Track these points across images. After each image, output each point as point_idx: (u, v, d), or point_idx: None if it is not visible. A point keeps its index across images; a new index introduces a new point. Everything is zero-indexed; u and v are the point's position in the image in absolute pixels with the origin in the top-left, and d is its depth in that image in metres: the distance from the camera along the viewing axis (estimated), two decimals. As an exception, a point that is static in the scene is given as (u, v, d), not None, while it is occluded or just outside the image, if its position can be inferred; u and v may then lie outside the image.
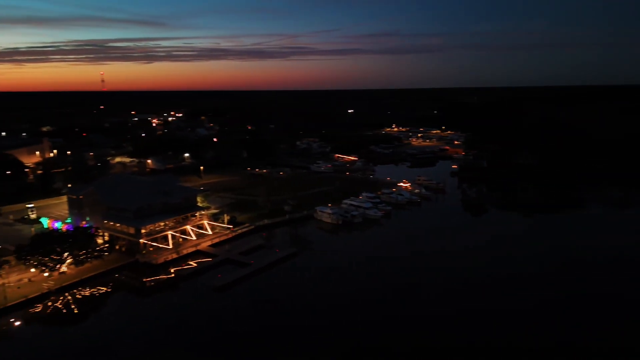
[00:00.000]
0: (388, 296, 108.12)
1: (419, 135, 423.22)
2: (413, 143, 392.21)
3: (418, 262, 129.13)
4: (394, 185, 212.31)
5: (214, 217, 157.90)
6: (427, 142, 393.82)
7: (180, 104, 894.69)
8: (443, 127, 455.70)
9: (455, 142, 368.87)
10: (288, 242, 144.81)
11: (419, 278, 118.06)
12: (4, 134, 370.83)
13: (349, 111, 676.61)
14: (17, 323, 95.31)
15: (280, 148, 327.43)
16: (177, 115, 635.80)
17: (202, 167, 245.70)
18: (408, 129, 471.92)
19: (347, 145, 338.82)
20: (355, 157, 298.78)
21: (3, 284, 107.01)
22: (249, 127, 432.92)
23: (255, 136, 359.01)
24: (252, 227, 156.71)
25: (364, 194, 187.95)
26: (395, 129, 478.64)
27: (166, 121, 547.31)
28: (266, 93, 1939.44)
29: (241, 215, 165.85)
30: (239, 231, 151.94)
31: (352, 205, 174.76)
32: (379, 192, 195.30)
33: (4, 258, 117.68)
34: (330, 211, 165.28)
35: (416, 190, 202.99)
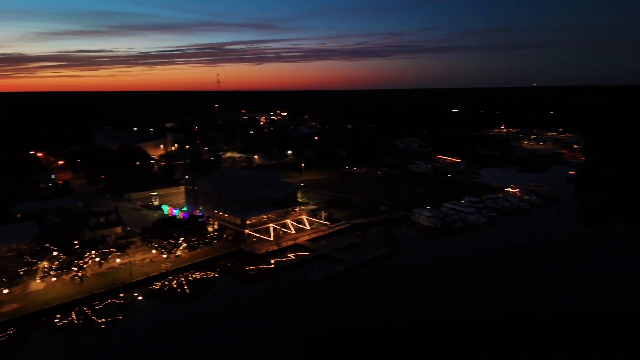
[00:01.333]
0: (481, 313, 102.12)
1: (532, 137, 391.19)
2: (524, 145, 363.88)
3: (521, 283, 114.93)
4: (501, 190, 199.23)
5: (312, 213, 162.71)
6: (541, 145, 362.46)
7: (286, 103, 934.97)
8: (560, 129, 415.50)
9: (574, 146, 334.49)
10: (383, 242, 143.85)
11: (521, 304, 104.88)
12: (135, 129, 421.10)
13: (453, 110, 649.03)
14: (140, 297, 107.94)
15: (378, 147, 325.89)
16: (282, 114, 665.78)
17: (303, 164, 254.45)
18: (518, 130, 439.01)
19: (449, 145, 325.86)
20: (458, 158, 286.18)
21: (130, 262, 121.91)
22: (349, 126, 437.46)
23: (354, 135, 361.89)
24: (348, 224, 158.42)
25: (466, 198, 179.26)
26: (505, 130, 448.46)
27: (272, 119, 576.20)
28: (368, 92, 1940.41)
29: (338, 212, 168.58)
30: (336, 228, 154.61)
31: (452, 209, 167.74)
32: (483, 197, 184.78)
33: (131, 239, 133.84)
34: (428, 214, 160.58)
35: (525, 197, 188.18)
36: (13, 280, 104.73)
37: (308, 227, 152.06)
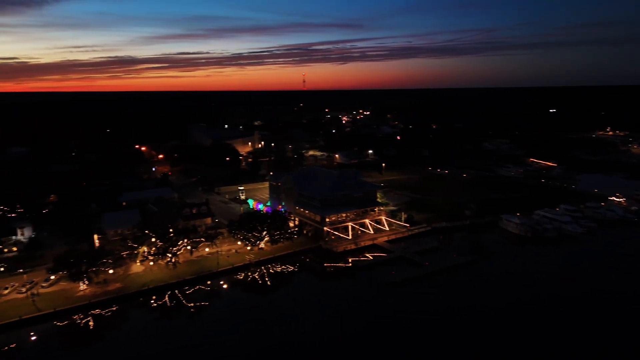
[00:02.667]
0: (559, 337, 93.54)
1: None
2: (633, 150, 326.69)
3: (623, 306, 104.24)
4: (603, 198, 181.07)
5: (392, 214, 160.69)
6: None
7: (369, 102, 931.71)
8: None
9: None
10: (467, 248, 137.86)
11: (620, 332, 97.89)
12: (226, 126, 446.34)
13: (550, 111, 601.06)
14: (225, 286, 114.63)
15: (464, 148, 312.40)
16: (364, 113, 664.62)
17: (383, 164, 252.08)
18: (626, 133, 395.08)
19: (544, 148, 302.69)
20: (553, 162, 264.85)
21: (217, 251, 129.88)
22: (433, 126, 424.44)
23: (438, 135, 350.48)
24: (429, 228, 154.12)
25: (562, 206, 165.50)
26: (610, 133, 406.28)
27: (354, 119, 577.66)
28: (455, 91, 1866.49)
29: (418, 214, 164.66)
30: (415, 231, 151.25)
31: (545, 217, 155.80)
32: (581, 206, 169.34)
33: (219, 230, 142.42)
34: (518, 221, 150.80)
35: (633, 208, 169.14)
36: (118, 262, 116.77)
37: (387, 228, 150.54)
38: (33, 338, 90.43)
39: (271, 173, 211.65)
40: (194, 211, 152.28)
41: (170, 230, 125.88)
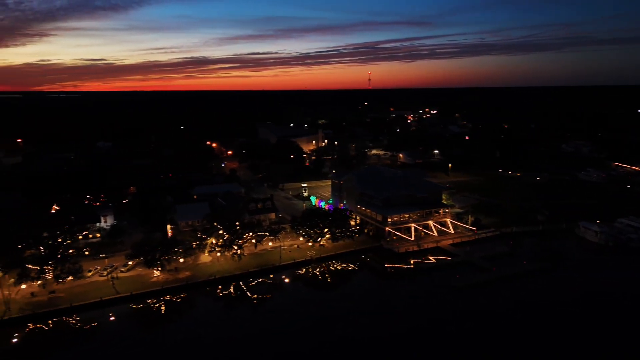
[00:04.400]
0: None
1: None
2: None
3: None
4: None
5: (457, 217, 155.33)
6: None
7: (436, 101, 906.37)
8: None
9: None
10: (538, 255, 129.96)
11: None
12: (291, 124, 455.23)
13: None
14: (287, 280, 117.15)
15: (539, 150, 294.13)
16: (431, 112, 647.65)
17: (450, 165, 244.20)
18: None
19: (632, 152, 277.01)
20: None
21: (280, 246, 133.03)
22: (505, 126, 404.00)
23: (510, 135, 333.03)
24: (497, 232, 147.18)
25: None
26: None
27: (421, 118, 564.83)
28: (531, 90, 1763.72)
29: (486, 218, 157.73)
30: (483, 235, 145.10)
31: (630, 225, 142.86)
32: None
33: (283, 225, 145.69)
34: (598, 229, 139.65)
35: None
36: (188, 252, 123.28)
37: (452, 231, 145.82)
38: (112, 318, 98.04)
39: (333, 171, 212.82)
40: (259, 206, 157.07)
41: (237, 223, 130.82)
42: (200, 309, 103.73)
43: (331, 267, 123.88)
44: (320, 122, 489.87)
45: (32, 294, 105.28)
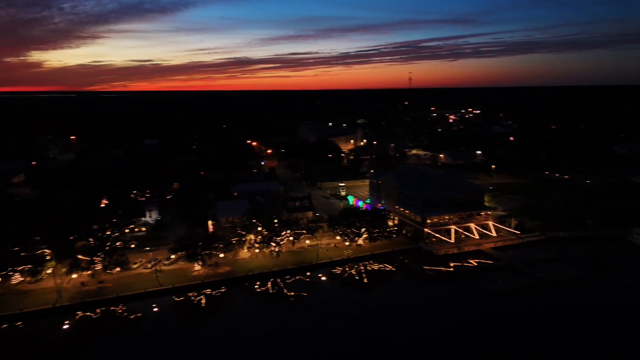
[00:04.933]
0: None
1: None
2: None
3: None
4: None
5: (500, 220, 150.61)
6: None
7: (480, 100, 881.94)
8: None
9: None
10: (586, 262, 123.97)
11: None
12: (330, 124, 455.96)
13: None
14: (323, 278, 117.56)
15: (588, 151, 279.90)
16: (474, 111, 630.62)
17: (493, 166, 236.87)
18: None
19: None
20: None
21: (317, 244, 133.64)
22: (552, 127, 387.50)
23: (557, 136, 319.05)
24: (543, 236, 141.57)
25: None
26: None
27: (463, 117, 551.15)
28: (581, 89, 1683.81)
29: (530, 221, 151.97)
30: (527, 239, 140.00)
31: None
32: None
33: (320, 224, 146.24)
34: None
35: None
36: (228, 247, 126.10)
37: (494, 234, 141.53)
38: (155, 309, 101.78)
39: (372, 171, 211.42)
40: (297, 204, 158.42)
41: (275, 221, 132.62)
42: (239, 304, 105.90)
43: (368, 267, 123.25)
44: (359, 121, 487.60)
45: (82, 283, 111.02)
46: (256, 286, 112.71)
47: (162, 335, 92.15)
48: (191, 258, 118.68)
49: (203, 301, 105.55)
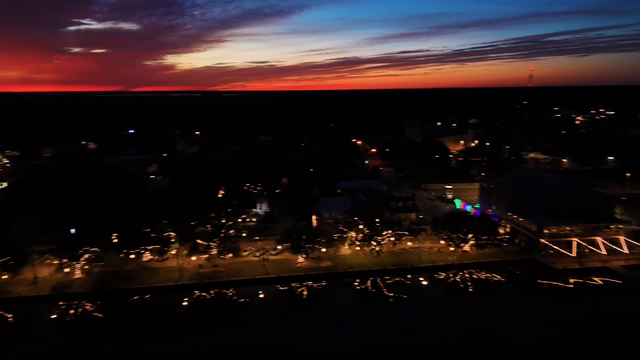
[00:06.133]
0: None
1: None
2: None
3: None
4: None
5: (634, 235, 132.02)
6: None
7: (614, 100, 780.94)
8: None
9: None
10: None
11: None
12: (439, 123, 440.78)
13: None
14: (425, 282, 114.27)
15: None
16: (606, 113, 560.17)
17: (628, 174, 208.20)
18: None
19: None
20: None
21: (419, 247, 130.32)
22: None
23: None
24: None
25: None
26: None
27: (592, 119, 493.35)
28: None
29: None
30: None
31: None
32: None
33: (423, 226, 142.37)
34: None
35: None
36: (330, 243, 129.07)
37: (626, 251, 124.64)
38: (261, 296, 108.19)
39: (483, 174, 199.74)
40: (400, 205, 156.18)
41: (377, 220, 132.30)
42: (339, 299, 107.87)
43: (474, 276, 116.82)
44: (470, 121, 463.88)
45: (200, 265, 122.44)
46: (355, 283, 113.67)
47: (267, 320, 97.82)
48: (295, 250, 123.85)
49: (305, 293, 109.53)
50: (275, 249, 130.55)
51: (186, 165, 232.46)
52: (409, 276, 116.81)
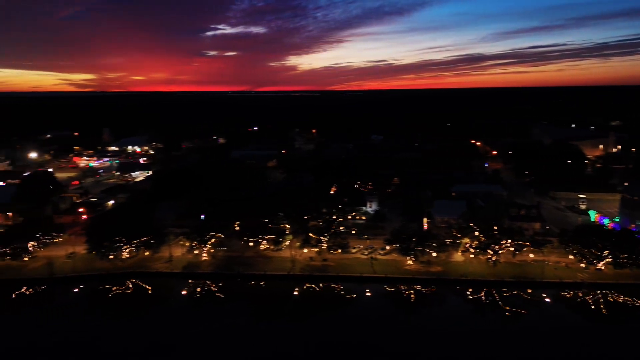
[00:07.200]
0: None
1: None
2: None
3: None
4: None
5: None
6: None
7: None
8: None
9: None
10: None
11: None
12: (573, 125, 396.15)
13: None
14: (547, 299, 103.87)
15: None
16: None
17: None
18: None
19: None
20: None
21: (543, 261, 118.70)
22: None
23: None
24: None
25: None
26: None
27: None
28: None
29: None
30: None
31: None
32: None
33: (549, 238, 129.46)
34: None
35: None
36: (441, 247, 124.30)
37: None
38: (368, 294, 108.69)
39: (626, 183, 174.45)
40: (522, 213, 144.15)
41: (495, 227, 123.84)
42: (449, 306, 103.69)
43: (609, 298, 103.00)
44: (612, 123, 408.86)
45: (311, 258, 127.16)
46: (468, 292, 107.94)
47: (373, 318, 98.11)
48: (404, 252, 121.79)
49: (412, 296, 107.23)
50: (383, 248, 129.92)
51: (302, 162, 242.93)
52: (529, 290, 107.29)
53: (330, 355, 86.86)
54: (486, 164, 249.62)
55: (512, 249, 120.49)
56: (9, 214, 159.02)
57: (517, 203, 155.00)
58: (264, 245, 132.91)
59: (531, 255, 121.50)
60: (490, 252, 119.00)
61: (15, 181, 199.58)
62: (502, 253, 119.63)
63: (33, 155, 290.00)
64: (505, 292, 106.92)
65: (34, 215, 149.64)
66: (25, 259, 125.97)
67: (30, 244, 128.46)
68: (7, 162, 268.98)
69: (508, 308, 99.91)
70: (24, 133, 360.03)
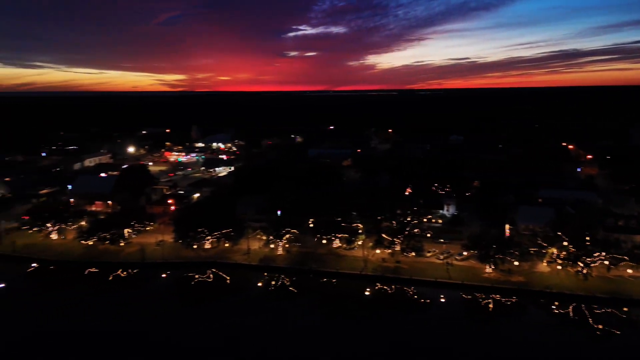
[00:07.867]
0: None
1: None
2: None
3: None
4: None
5: None
6: None
7: None
8: None
9: None
10: None
11: None
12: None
13: None
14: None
15: None
16: None
17: None
18: None
19: None
20: None
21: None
22: None
23: None
24: None
25: None
26: None
27: None
28: None
29: None
30: None
31: None
32: None
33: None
34: None
35: None
36: (524, 256, 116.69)
37: None
38: (442, 300, 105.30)
39: None
40: (620, 223, 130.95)
41: (587, 238, 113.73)
42: (531, 319, 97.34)
43: None
44: None
45: (383, 259, 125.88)
46: (553, 306, 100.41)
47: (449, 326, 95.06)
48: (483, 259, 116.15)
49: (490, 305, 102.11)
50: (460, 254, 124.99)
51: (378, 161, 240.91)
52: (625, 309, 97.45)
53: (401, 357, 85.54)
54: (579, 169, 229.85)
55: (606, 262, 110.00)
56: (109, 202, 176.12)
57: (615, 212, 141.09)
58: (336, 243, 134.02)
59: (629, 271, 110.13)
60: (581, 265, 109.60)
61: (115, 173, 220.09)
62: (594, 266, 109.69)
63: (131, 149, 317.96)
64: (596, 309, 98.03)
65: (130, 205, 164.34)
66: (122, 244, 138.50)
67: (126, 231, 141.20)
68: (109, 155, 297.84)
69: (599, 326, 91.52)
70: (123, 129, 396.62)
